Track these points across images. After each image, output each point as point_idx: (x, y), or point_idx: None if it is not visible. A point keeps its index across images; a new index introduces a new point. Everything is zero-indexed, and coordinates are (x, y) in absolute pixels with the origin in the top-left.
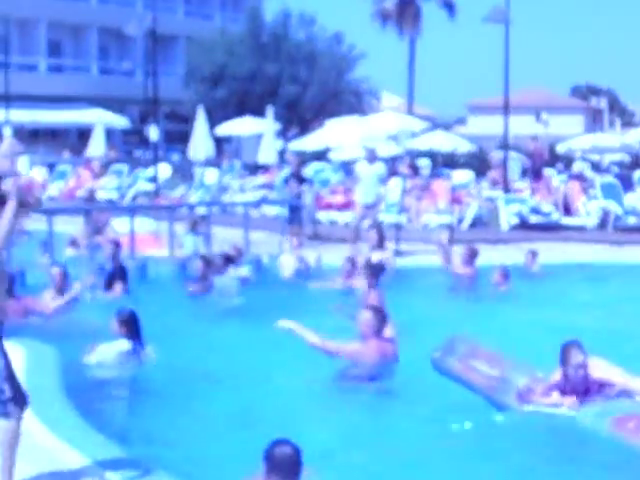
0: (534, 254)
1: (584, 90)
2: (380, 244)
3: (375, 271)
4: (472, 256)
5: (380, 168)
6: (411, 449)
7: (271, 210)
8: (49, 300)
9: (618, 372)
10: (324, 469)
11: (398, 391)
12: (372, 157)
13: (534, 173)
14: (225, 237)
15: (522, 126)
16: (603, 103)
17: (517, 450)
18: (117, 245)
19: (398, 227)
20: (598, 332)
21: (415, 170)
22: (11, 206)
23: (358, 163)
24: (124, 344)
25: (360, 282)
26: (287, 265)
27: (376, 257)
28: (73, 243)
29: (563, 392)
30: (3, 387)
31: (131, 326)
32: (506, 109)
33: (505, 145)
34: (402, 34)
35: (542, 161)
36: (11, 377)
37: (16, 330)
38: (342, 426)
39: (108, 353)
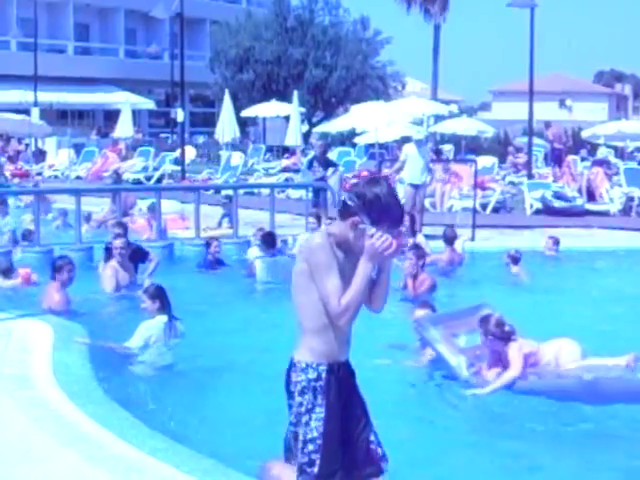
0: (556, 240)
1: (608, 76)
2: (412, 228)
3: (421, 254)
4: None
5: (427, 152)
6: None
7: (295, 193)
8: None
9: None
10: None
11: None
12: (421, 143)
13: (554, 159)
14: (250, 219)
15: (546, 112)
16: (627, 89)
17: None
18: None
19: (419, 211)
20: (616, 318)
21: (439, 154)
22: None
23: (406, 145)
24: (163, 318)
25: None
26: None
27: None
28: (88, 219)
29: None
30: (314, 459)
31: (163, 299)
32: (531, 95)
33: (530, 131)
34: (428, 18)
35: (562, 146)
36: (327, 448)
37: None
38: None
39: (152, 330)
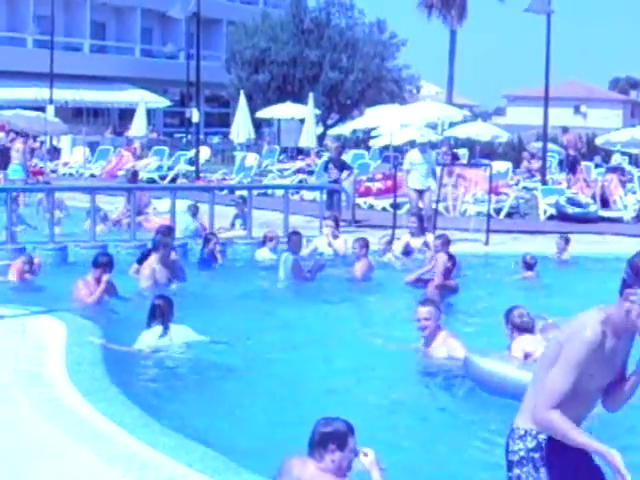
0: (566, 240)
1: (624, 83)
2: (421, 231)
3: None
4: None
5: (432, 157)
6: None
7: (309, 195)
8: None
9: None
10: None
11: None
12: (424, 148)
13: (569, 165)
14: (264, 220)
15: (561, 118)
16: None
17: None
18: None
19: (428, 217)
20: None
21: (455, 158)
22: None
23: (410, 151)
24: (158, 329)
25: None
26: (322, 247)
27: (419, 243)
28: (105, 219)
29: None
30: None
31: (159, 311)
32: (546, 101)
33: (544, 137)
34: (447, 23)
35: (577, 153)
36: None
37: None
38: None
39: (148, 340)
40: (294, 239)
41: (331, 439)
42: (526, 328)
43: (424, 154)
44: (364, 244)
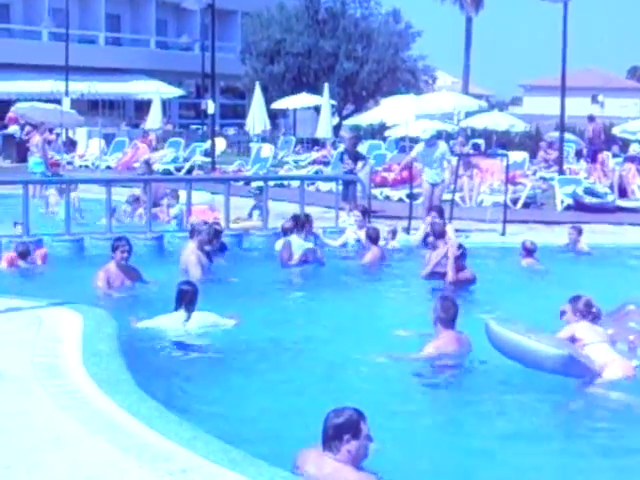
0: (579, 231)
1: None
2: (441, 219)
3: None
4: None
5: (441, 149)
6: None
7: (325, 186)
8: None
9: None
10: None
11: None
12: (432, 142)
13: (591, 154)
14: (280, 211)
15: (578, 108)
16: None
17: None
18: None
19: (441, 209)
20: None
21: (476, 149)
22: None
23: (417, 145)
24: (182, 314)
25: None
26: (351, 238)
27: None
28: (135, 209)
29: None
30: None
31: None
32: (563, 90)
33: (561, 126)
34: (463, 11)
35: (599, 142)
36: None
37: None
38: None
39: (173, 323)
40: (300, 219)
41: (344, 429)
42: (589, 316)
43: (431, 148)
44: (376, 233)
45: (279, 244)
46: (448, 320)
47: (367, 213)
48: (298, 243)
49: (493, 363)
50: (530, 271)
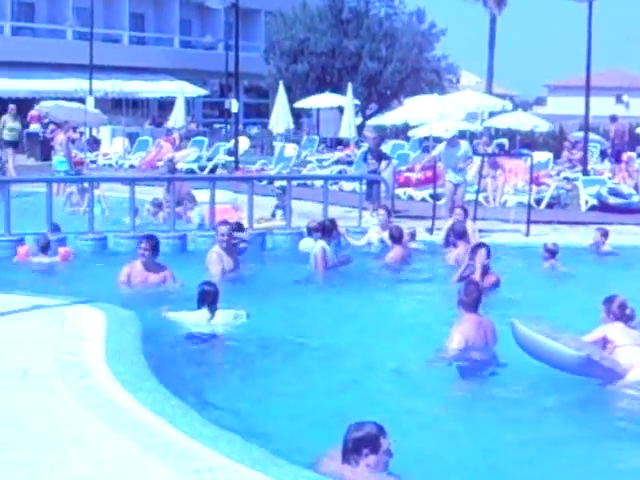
0: (604, 233)
1: None
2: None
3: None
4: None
5: (462, 149)
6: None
7: (348, 185)
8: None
9: None
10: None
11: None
12: (454, 142)
13: (614, 155)
14: (303, 210)
15: (602, 108)
16: None
17: None
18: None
19: (465, 209)
20: None
21: (501, 149)
22: None
23: (440, 145)
24: (205, 313)
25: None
26: (374, 238)
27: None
28: (155, 213)
29: None
30: None
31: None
32: (587, 90)
33: (585, 126)
34: (486, 9)
35: (623, 143)
36: None
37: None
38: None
39: (197, 320)
40: (327, 226)
41: (364, 444)
42: (622, 318)
43: (453, 147)
44: (399, 232)
45: (303, 244)
46: (470, 303)
47: (390, 213)
48: (329, 249)
49: (518, 363)
50: (553, 273)
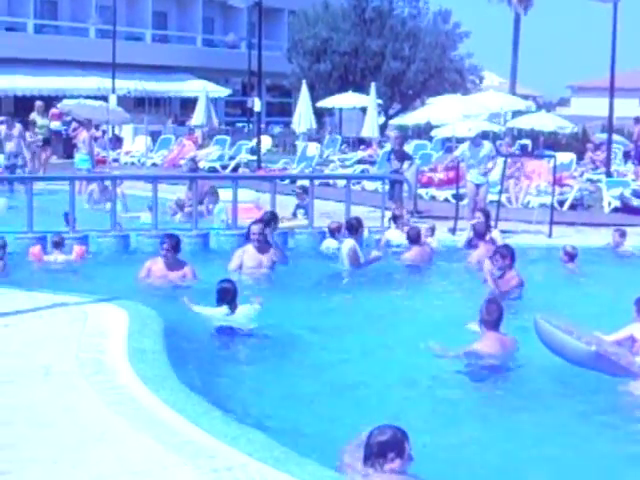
0: (622, 233)
1: None
2: (486, 223)
3: (506, 253)
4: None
5: (486, 150)
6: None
7: (371, 185)
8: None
9: None
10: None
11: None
12: (478, 142)
13: (638, 156)
14: (326, 210)
15: (626, 109)
16: None
17: None
18: None
19: (487, 212)
20: None
21: (524, 150)
22: None
23: (462, 145)
24: (224, 309)
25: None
26: (395, 239)
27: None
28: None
29: None
30: None
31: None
32: (611, 91)
33: (609, 128)
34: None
35: None
36: None
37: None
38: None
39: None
40: (354, 224)
41: (389, 447)
42: None
43: (477, 148)
44: (415, 232)
45: (325, 244)
46: (491, 322)
47: (410, 213)
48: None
49: (538, 364)
50: (576, 274)
